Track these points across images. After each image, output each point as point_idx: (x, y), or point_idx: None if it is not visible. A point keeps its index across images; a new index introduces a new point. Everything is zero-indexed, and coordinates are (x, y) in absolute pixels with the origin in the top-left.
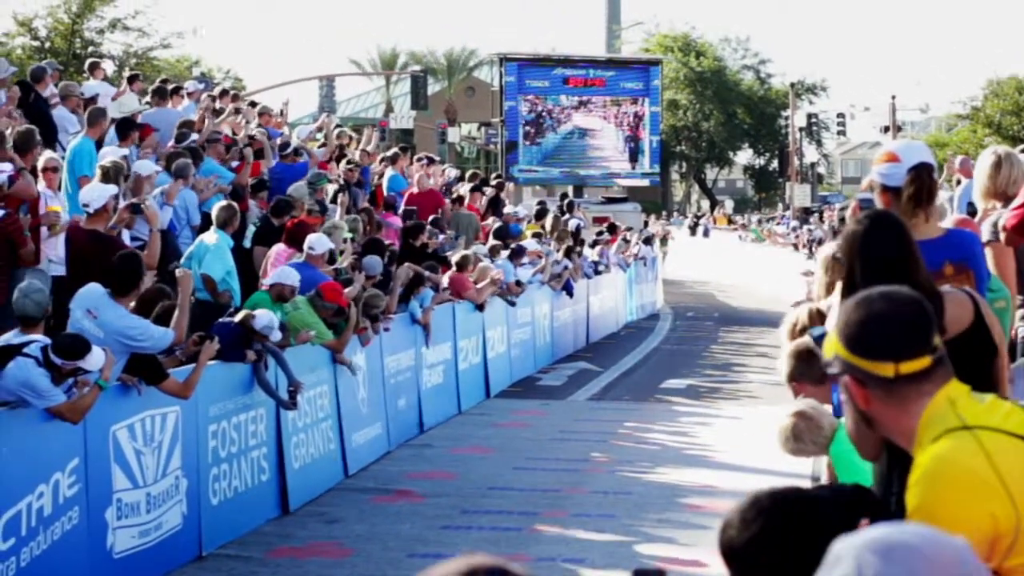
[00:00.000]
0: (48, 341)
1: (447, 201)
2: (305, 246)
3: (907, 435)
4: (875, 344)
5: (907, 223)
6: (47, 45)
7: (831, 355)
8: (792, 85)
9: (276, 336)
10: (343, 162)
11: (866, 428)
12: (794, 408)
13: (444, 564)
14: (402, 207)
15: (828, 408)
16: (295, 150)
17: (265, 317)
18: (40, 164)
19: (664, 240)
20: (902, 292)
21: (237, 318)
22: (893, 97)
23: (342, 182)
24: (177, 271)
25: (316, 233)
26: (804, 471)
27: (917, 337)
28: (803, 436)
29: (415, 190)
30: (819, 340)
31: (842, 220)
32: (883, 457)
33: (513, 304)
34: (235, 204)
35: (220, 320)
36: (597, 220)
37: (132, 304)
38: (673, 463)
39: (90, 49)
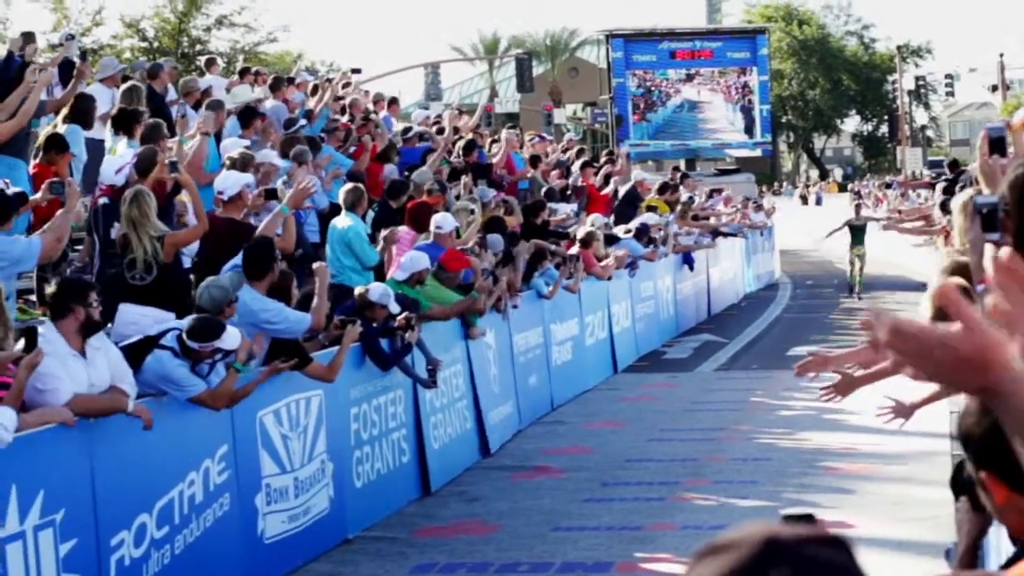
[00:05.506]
0: (183, 327)
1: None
2: (432, 226)
3: None
4: None
5: None
6: (155, 45)
7: None
8: (899, 48)
9: (394, 308)
10: (461, 143)
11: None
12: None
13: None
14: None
15: None
16: (419, 135)
17: (379, 289)
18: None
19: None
20: None
21: (356, 293)
22: (1001, 55)
23: (464, 163)
24: (314, 264)
25: (440, 213)
26: (942, 430)
27: None
28: None
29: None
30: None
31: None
32: None
33: (634, 274)
34: (361, 186)
35: (343, 304)
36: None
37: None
38: (809, 428)
39: (197, 47)
